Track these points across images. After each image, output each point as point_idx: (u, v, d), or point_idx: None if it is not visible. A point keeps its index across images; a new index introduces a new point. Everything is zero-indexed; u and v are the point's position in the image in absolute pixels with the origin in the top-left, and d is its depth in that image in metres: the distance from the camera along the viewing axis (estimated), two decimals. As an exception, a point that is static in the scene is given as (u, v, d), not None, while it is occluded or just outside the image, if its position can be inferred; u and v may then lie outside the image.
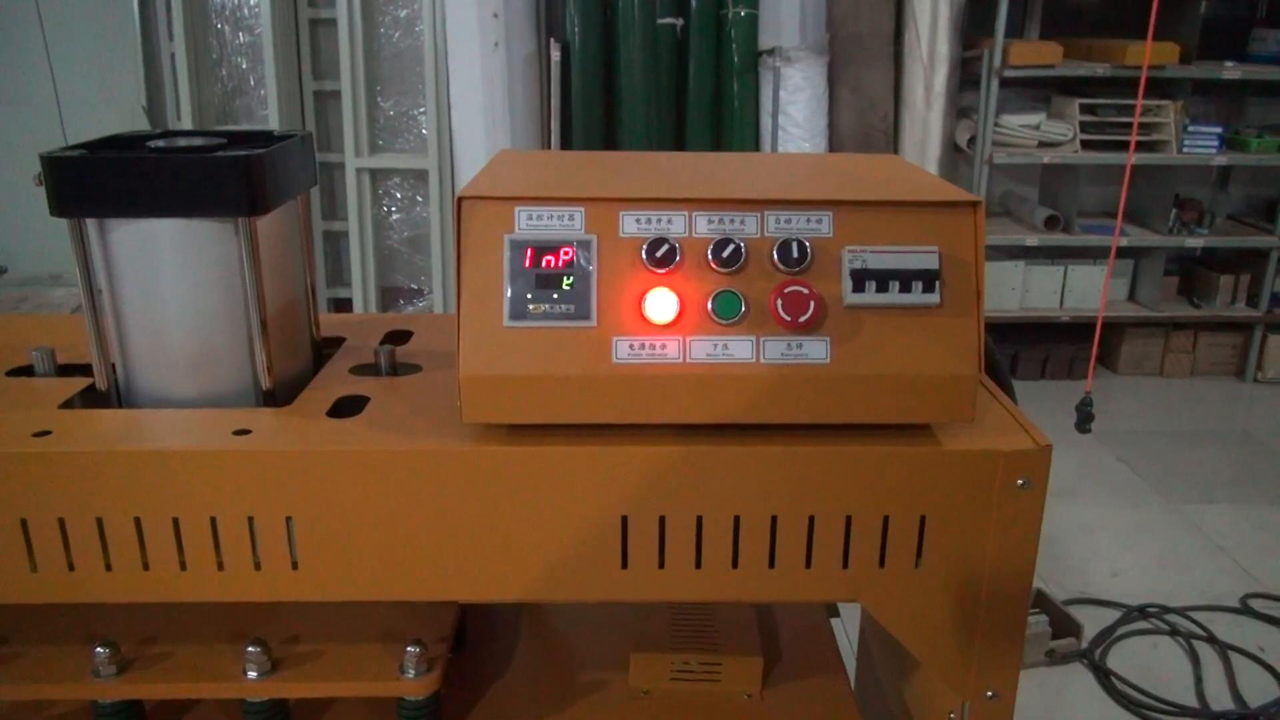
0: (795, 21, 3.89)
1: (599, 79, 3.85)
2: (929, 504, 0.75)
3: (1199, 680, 2.32)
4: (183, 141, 0.83)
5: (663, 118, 3.92)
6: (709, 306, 0.72)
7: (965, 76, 3.98)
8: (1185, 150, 3.93)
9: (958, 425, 0.76)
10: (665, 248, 0.72)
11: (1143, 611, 2.60)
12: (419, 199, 4.03)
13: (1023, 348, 4.28)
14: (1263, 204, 4.43)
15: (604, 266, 0.72)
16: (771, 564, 0.77)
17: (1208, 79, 3.93)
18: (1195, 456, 3.66)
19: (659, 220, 0.73)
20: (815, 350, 0.72)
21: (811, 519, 0.75)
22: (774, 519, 0.75)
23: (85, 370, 0.87)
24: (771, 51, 3.81)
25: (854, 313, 0.72)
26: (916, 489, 0.75)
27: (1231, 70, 3.87)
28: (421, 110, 3.94)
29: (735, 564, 0.77)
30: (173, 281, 0.80)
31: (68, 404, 0.83)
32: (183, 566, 0.76)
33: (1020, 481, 0.75)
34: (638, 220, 0.73)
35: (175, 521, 0.74)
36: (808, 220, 0.73)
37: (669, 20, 3.86)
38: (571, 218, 0.73)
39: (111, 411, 0.80)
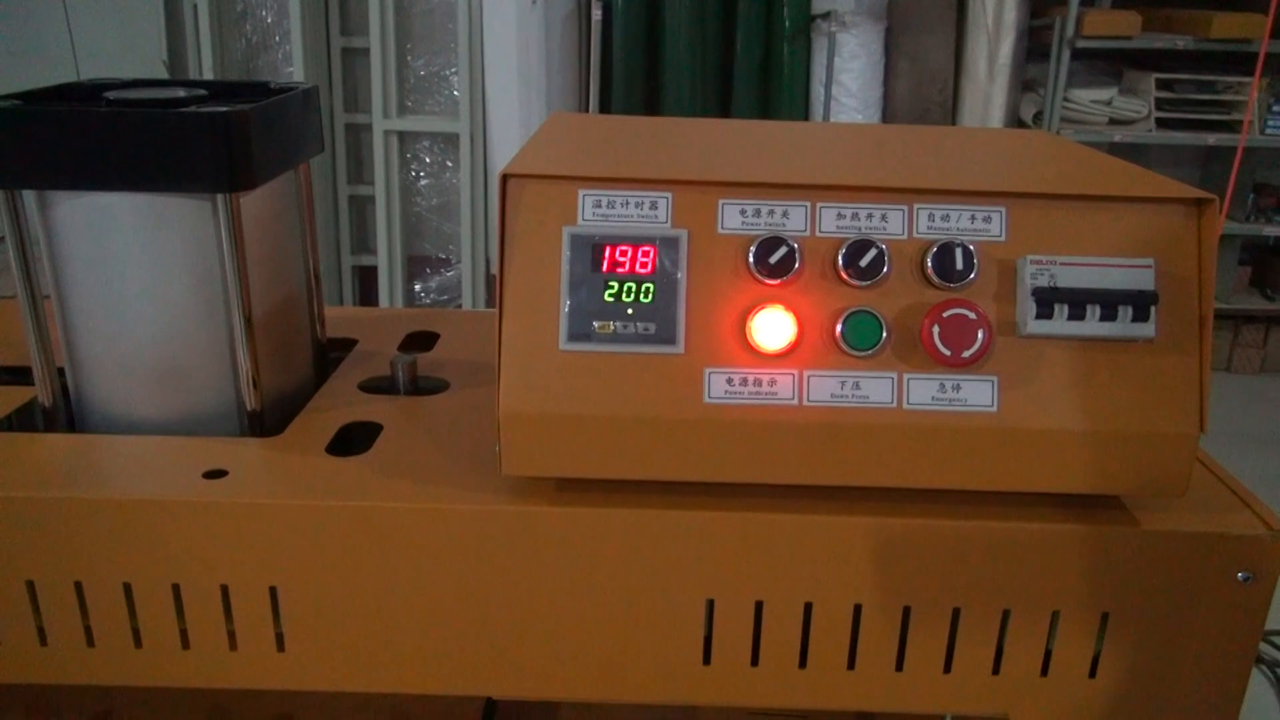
0: (852, -16, 3.64)
1: (642, 42, 3.64)
2: (1115, 599, 0.56)
3: (1286, 715, 2.13)
4: (152, 93, 0.64)
5: (708, 85, 3.71)
6: (838, 331, 0.53)
7: (1033, 46, 3.72)
8: (1268, 132, 3.66)
9: (1162, 499, 0.57)
10: (781, 251, 0.53)
11: (1220, 634, 2.40)
12: (449, 164, 3.85)
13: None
14: (1346, 192, 4.15)
15: (697, 273, 0.54)
16: (899, 666, 0.58)
17: (1296, 55, 3.64)
18: (1270, 462, 3.42)
19: (772, 213, 0.54)
20: (978, 394, 0.53)
21: (956, 611, 0.57)
22: (906, 610, 0.57)
23: (17, 378, 0.70)
24: (825, 15, 3.57)
25: (1034, 345, 0.53)
26: (1100, 580, 0.56)
27: (1323, 46, 3.58)
28: (453, 71, 3.75)
29: (852, 664, 0.58)
30: (134, 273, 0.62)
31: (5, 423, 0.66)
32: (138, 643, 0.59)
33: (1242, 575, 0.56)
34: (743, 212, 0.54)
35: (127, 588, 0.57)
36: (973, 218, 0.54)
37: (718, -20, 3.62)
38: (654, 206, 0.54)
39: (54, 439, 0.63)
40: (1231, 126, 3.67)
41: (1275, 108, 3.63)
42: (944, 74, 3.72)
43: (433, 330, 0.83)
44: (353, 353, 0.78)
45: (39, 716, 0.66)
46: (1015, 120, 3.74)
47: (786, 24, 3.64)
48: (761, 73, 3.73)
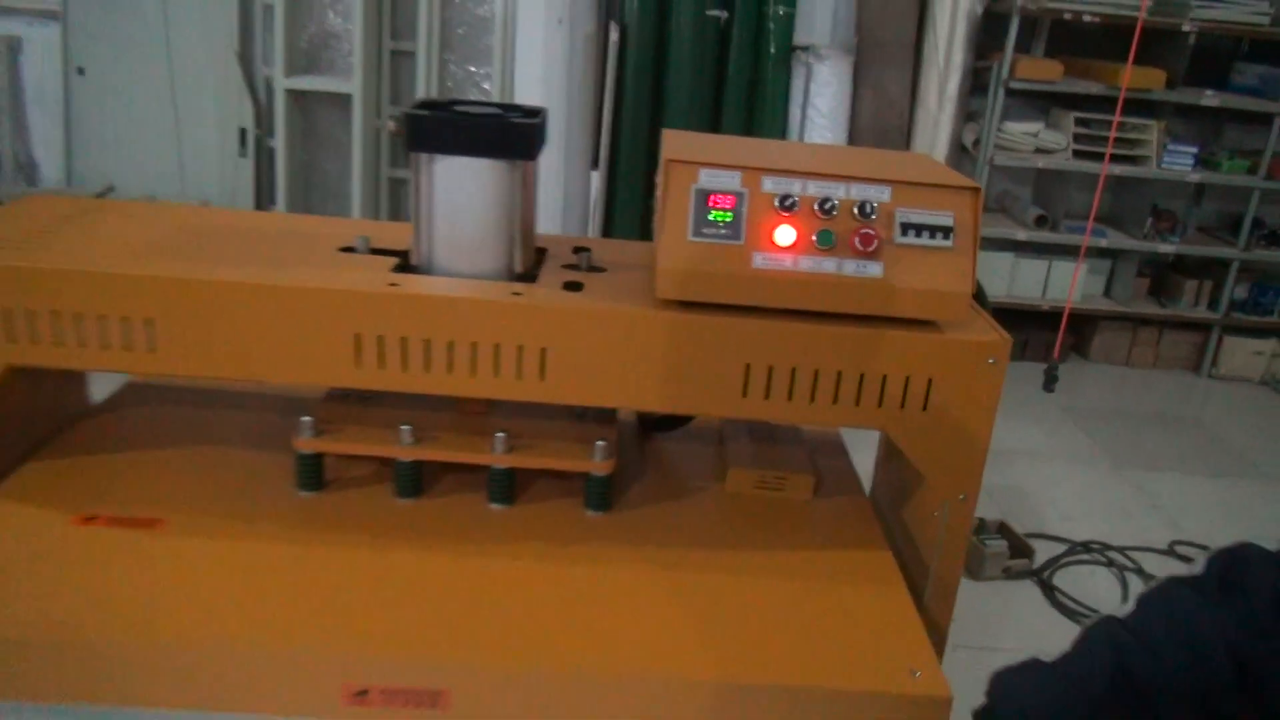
0: (828, 22, 4.33)
1: (650, 60, 4.29)
2: (934, 371, 1.23)
3: (1125, 600, 2.83)
4: (478, 108, 1.29)
5: (703, 99, 4.37)
6: (813, 238, 1.19)
7: (975, 84, 4.44)
8: (1164, 166, 4.41)
9: (955, 322, 1.24)
10: (790, 200, 1.19)
11: (1086, 546, 3.11)
12: (479, 155, 4.46)
13: (1007, 331, 4.77)
14: (1231, 219, 4.93)
15: (751, 208, 1.19)
16: (835, 400, 1.25)
17: (1188, 104, 4.40)
18: (1149, 435, 4.16)
19: (787, 183, 1.20)
20: (874, 269, 1.20)
21: (862, 375, 1.23)
22: (839, 373, 1.23)
23: (387, 253, 1.33)
24: (805, 48, 4.26)
25: (900, 249, 1.20)
26: (927, 360, 1.22)
27: (1210, 98, 4.34)
28: (484, 72, 4.37)
29: (813, 398, 1.24)
30: (470, 198, 1.26)
31: (395, 270, 1.30)
32: (473, 372, 1.23)
33: (991, 360, 1.23)
34: (774, 182, 1.20)
35: (481, 347, 1.22)
36: (877, 190, 1.20)
37: (716, 12, 4.30)
38: (733, 177, 1.20)
39: (428, 277, 1.27)
40: (1135, 160, 4.41)
41: (1170, 146, 4.38)
42: (901, 103, 4.43)
43: (584, 246, 1.48)
44: (547, 254, 1.43)
45: (406, 419, 1.30)
46: (958, 145, 4.46)
47: (772, 52, 4.32)
48: (748, 92, 4.40)
